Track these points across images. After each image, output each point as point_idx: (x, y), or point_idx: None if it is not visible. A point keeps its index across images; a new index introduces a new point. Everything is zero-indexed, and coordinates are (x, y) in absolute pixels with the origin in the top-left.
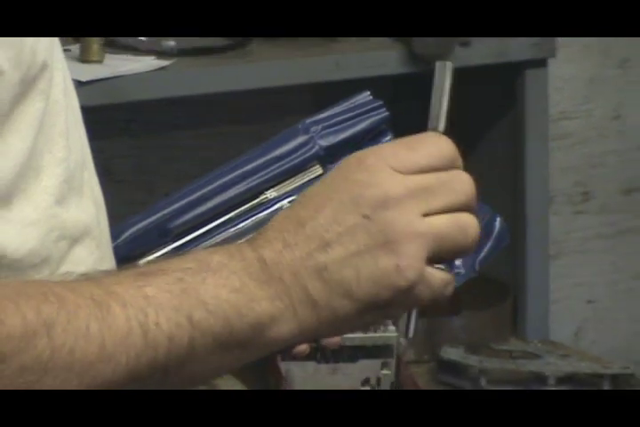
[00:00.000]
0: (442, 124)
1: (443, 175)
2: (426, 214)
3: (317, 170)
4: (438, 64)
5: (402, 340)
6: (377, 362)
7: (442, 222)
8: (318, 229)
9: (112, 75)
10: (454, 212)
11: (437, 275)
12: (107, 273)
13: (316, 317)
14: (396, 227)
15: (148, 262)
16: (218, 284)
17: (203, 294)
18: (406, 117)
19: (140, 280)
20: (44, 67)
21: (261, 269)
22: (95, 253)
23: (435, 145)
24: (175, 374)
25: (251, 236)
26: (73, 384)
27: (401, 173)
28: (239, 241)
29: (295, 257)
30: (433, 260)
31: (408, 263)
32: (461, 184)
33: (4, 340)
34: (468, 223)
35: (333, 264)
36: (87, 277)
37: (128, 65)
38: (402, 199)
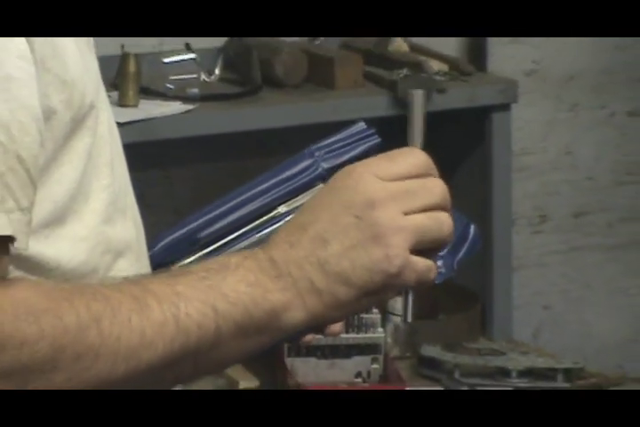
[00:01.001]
0: (419, 142)
1: (420, 181)
2: (407, 213)
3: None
4: (413, 92)
5: (401, 323)
6: (368, 358)
7: (421, 218)
8: (318, 230)
9: (146, 117)
10: (431, 211)
11: (421, 262)
12: (143, 276)
13: (321, 303)
14: (383, 223)
15: (179, 267)
16: (236, 280)
17: (224, 288)
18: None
19: (171, 280)
20: (91, 107)
21: (272, 267)
22: (135, 265)
23: (412, 156)
24: (204, 358)
25: (268, 241)
26: (121, 369)
27: (383, 180)
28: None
29: (300, 255)
30: (416, 250)
31: (395, 253)
32: (436, 188)
33: (62, 333)
34: (443, 219)
35: (332, 258)
36: (127, 280)
37: (159, 109)
38: (385, 201)
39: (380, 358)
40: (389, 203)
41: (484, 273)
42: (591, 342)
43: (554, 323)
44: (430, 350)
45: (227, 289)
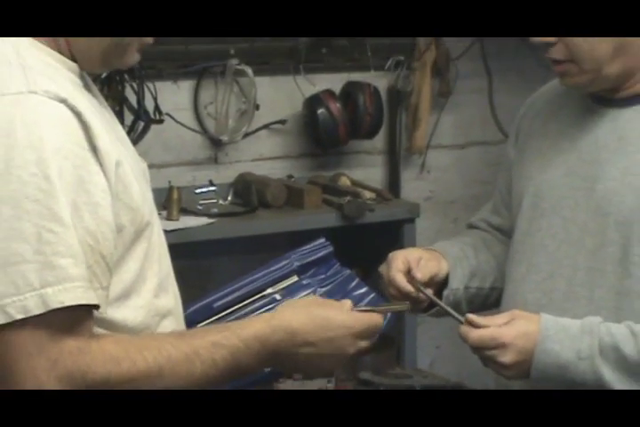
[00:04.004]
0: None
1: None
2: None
3: (294, 278)
4: (407, 306)
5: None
6: (325, 380)
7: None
8: (312, 349)
9: (184, 227)
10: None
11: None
12: (193, 335)
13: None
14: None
15: (219, 327)
16: (248, 359)
17: (241, 363)
18: (341, 249)
19: (214, 348)
20: (147, 223)
21: (271, 355)
22: (175, 324)
23: (378, 328)
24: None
25: (280, 330)
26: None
27: (360, 339)
28: (272, 328)
29: (291, 353)
30: None
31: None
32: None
33: (135, 373)
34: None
35: (305, 363)
36: (181, 335)
37: (192, 221)
38: (351, 356)
39: (333, 379)
40: (356, 352)
41: (399, 325)
42: (467, 369)
43: (443, 357)
44: (365, 375)
45: (241, 363)
